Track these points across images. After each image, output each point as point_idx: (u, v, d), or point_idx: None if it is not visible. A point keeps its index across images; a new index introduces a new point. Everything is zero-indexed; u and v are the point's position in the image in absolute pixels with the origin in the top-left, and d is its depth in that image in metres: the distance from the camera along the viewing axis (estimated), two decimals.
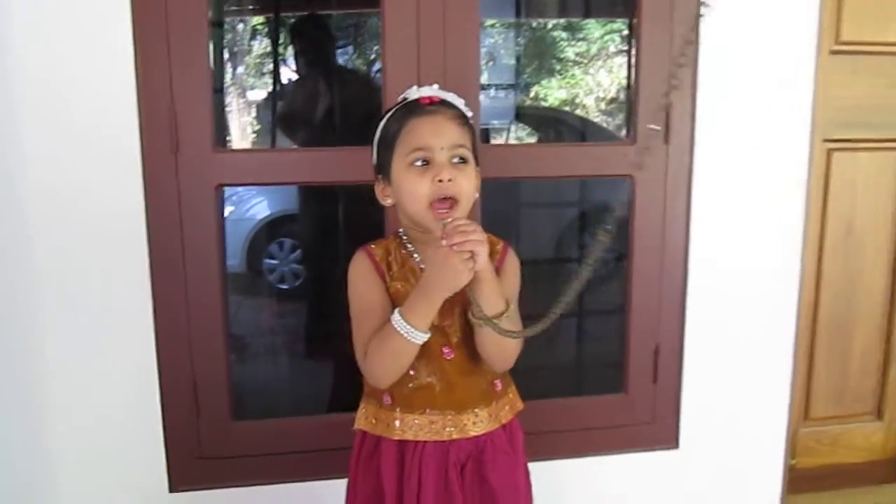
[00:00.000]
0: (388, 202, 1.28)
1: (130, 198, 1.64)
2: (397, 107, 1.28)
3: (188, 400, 1.74)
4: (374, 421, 1.30)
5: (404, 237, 1.29)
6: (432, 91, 1.27)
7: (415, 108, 1.24)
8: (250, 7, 4.01)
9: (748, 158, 1.90)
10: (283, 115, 3.22)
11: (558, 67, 6.29)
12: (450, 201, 1.19)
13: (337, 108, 2.77)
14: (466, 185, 1.20)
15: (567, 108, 5.63)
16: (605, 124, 5.57)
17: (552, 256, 3.82)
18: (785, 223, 1.96)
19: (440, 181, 1.18)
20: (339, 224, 2.89)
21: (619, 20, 5.35)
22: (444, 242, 1.13)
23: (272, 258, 3.82)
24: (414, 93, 1.28)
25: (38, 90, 1.57)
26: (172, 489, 1.77)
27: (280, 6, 3.53)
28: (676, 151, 1.85)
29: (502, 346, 1.24)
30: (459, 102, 1.28)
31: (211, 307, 1.72)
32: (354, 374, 1.29)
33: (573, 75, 6.53)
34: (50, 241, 1.62)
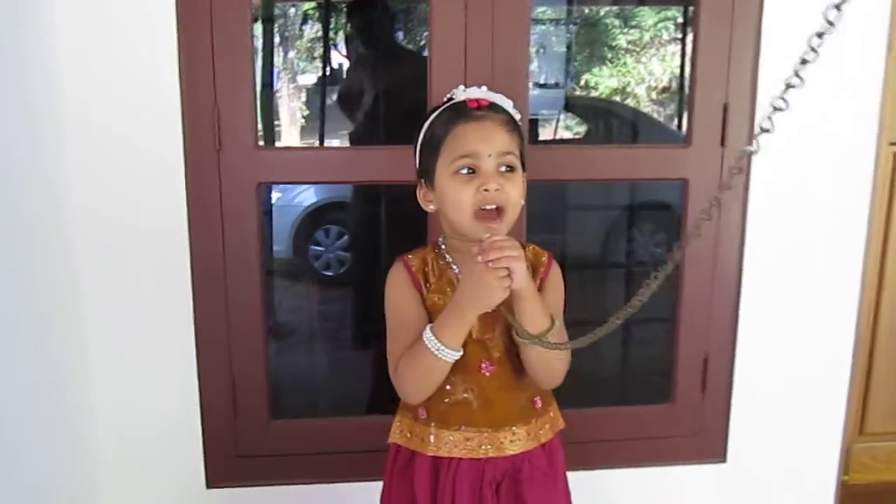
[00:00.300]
0: (430, 208, 1.24)
1: (173, 195, 1.64)
2: (443, 108, 1.22)
3: (227, 399, 1.75)
4: (408, 435, 1.27)
5: (443, 247, 1.26)
6: (481, 93, 1.21)
7: (462, 112, 1.18)
8: None
9: (809, 160, 1.81)
10: (341, 94, 3.20)
11: (609, 56, 6.19)
12: (496, 210, 1.15)
13: (394, 89, 2.75)
14: (514, 194, 1.16)
15: (617, 99, 5.54)
16: (656, 114, 5.46)
17: (597, 258, 3.76)
18: (846, 228, 1.88)
19: (486, 190, 1.13)
20: (386, 213, 2.89)
21: (673, 8, 5.25)
22: (479, 259, 1.09)
23: (318, 245, 3.84)
24: (461, 94, 1.22)
25: (83, 88, 1.57)
26: (209, 486, 1.78)
27: None
28: (733, 154, 1.77)
29: (549, 364, 1.19)
30: (508, 105, 1.23)
31: (251, 306, 1.72)
32: None
33: (625, 64, 6.42)
34: (92, 239, 1.63)
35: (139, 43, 1.57)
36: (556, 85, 4.32)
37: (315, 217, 3.82)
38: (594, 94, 5.33)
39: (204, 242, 1.66)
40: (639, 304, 1.01)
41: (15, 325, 1.35)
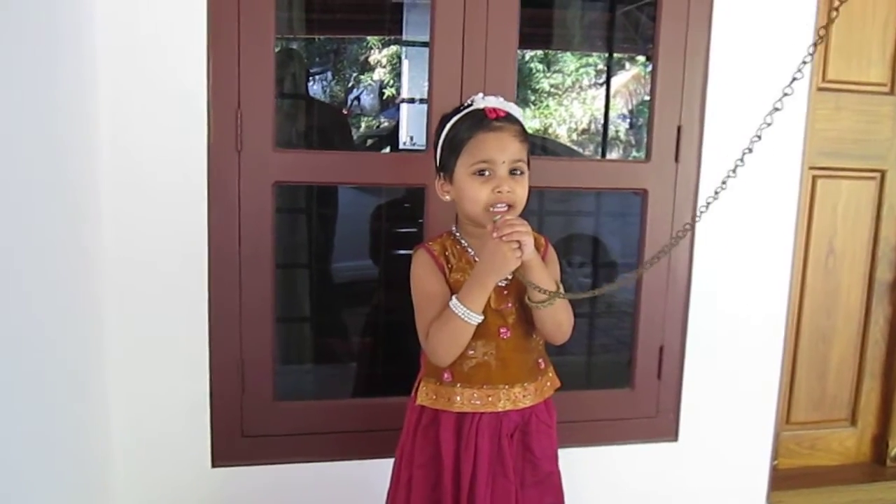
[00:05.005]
0: (446, 198, 1.43)
1: (195, 192, 1.76)
2: (465, 112, 1.40)
3: (235, 380, 1.86)
4: (434, 396, 1.44)
5: (458, 234, 1.45)
6: (498, 103, 1.40)
7: (483, 122, 1.36)
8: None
9: (747, 180, 2.08)
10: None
11: (532, 98, 6.50)
12: (507, 207, 1.35)
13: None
14: (521, 193, 1.37)
15: (548, 136, 5.86)
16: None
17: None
18: (776, 241, 2.16)
19: (499, 192, 1.34)
20: None
21: (594, 55, 5.55)
22: (494, 235, 1.30)
23: None
24: (480, 101, 1.40)
25: (119, 89, 1.69)
26: (214, 465, 1.87)
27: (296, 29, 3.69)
28: (685, 170, 2.04)
29: (559, 322, 1.42)
30: (519, 114, 1.43)
31: (262, 296, 1.85)
32: None
33: (547, 106, 6.75)
34: (117, 225, 1.73)
35: (174, 56, 1.72)
36: None
37: None
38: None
39: (222, 235, 1.79)
40: (637, 275, 1.25)
41: (36, 309, 1.37)
